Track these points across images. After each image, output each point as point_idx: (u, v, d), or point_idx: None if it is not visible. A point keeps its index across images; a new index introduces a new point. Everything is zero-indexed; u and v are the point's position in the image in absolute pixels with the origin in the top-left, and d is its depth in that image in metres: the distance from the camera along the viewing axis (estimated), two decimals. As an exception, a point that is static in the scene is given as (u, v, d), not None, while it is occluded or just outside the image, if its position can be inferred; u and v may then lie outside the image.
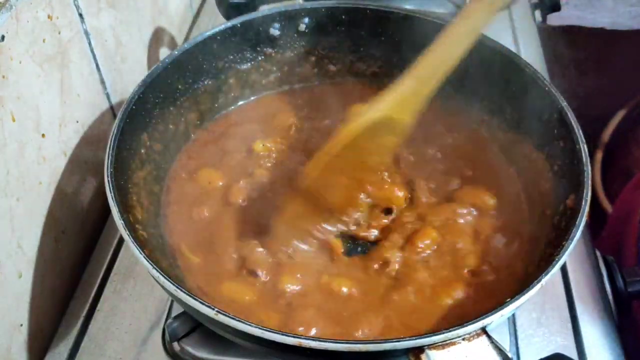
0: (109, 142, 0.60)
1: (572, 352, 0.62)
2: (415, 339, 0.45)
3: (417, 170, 0.71)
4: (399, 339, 0.45)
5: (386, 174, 0.69)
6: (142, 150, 0.67)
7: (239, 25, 0.76)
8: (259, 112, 0.80)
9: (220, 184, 0.70)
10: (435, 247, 0.64)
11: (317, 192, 0.62)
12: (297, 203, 0.64)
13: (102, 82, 0.77)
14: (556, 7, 1.18)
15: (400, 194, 0.67)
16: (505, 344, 0.62)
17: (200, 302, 0.48)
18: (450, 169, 0.72)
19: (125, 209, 0.57)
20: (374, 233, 0.66)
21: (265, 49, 0.80)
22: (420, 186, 0.69)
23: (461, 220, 0.66)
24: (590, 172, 0.58)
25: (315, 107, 0.81)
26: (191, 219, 0.67)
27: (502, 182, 0.70)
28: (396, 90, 0.59)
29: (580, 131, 0.61)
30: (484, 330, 0.47)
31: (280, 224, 0.64)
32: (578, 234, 0.53)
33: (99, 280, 0.70)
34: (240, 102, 0.81)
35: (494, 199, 0.67)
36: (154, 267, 0.50)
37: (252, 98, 0.82)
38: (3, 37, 0.55)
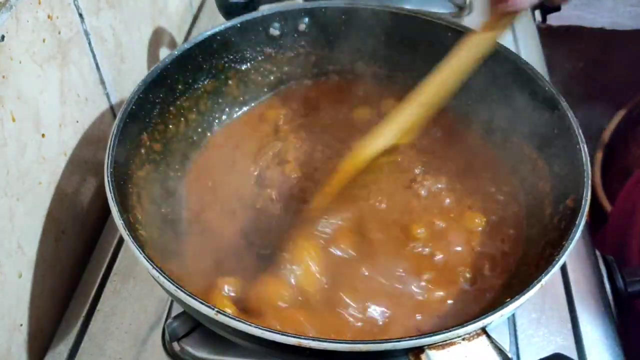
0: (109, 142, 0.60)
1: (572, 352, 0.62)
2: (415, 339, 0.45)
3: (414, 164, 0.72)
4: (399, 339, 0.45)
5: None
6: (142, 150, 0.67)
7: (239, 25, 0.76)
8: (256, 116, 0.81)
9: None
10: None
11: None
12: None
13: (102, 82, 0.77)
14: (556, 7, 1.18)
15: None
16: (505, 344, 0.62)
17: (200, 302, 0.48)
18: (447, 167, 0.72)
19: (125, 209, 0.57)
20: None
21: (265, 49, 0.80)
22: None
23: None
24: (590, 172, 0.58)
25: (315, 108, 0.81)
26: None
27: (502, 182, 0.70)
28: (400, 118, 0.59)
29: (580, 131, 0.61)
30: (483, 330, 0.47)
31: None
32: (578, 234, 0.53)
33: (99, 280, 0.70)
34: (243, 108, 0.82)
35: (484, 219, 0.67)
36: (154, 267, 0.50)
37: (253, 104, 0.82)
38: (3, 37, 0.55)
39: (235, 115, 0.81)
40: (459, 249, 0.64)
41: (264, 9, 0.78)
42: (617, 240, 0.90)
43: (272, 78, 0.83)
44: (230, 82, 0.79)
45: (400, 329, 0.57)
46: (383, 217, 0.66)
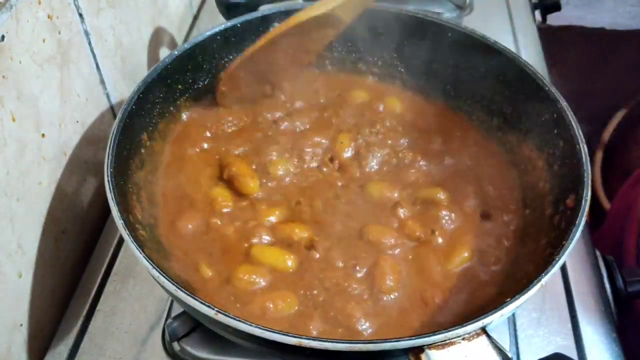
0: (109, 142, 0.60)
1: (572, 352, 0.62)
2: (415, 339, 0.45)
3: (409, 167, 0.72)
4: (398, 339, 0.45)
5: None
6: (142, 150, 0.67)
7: (239, 25, 0.76)
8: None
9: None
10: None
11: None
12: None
13: (102, 82, 0.77)
14: (556, 7, 1.19)
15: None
16: (505, 343, 0.62)
17: (200, 302, 0.48)
18: (448, 166, 0.72)
19: (125, 209, 0.57)
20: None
21: (265, 49, 0.80)
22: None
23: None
24: (590, 172, 0.58)
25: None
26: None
27: (502, 182, 0.70)
28: None
29: (580, 131, 0.61)
30: (483, 330, 0.47)
31: None
32: (578, 234, 0.53)
33: (99, 280, 0.70)
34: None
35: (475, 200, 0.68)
36: (154, 267, 0.50)
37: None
38: (3, 37, 0.55)
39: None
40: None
41: (264, 9, 0.78)
42: (614, 240, 0.90)
43: (271, 78, 0.82)
44: (230, 82, 0.79)
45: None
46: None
